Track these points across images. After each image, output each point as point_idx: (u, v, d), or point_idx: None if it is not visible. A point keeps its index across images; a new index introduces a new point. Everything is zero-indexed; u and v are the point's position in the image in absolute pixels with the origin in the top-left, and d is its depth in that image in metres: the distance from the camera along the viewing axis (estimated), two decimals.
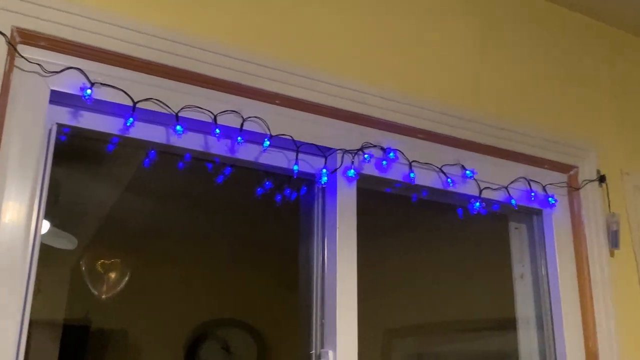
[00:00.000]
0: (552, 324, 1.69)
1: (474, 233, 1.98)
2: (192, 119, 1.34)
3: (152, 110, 1.30)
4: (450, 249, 2.26)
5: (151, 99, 1.30)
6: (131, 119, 1.29)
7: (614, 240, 1.76)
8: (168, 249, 3.02)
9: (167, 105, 1.31)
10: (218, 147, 1.40)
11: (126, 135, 1.31)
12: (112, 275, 2.94)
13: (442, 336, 2.51)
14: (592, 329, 1.67)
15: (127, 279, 2.94)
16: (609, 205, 1.80)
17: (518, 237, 1.83)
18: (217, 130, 1.35)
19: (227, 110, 1.37)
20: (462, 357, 2.38)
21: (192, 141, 1.38)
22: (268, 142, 1.40)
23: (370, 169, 1.54)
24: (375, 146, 1.54)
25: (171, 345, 3.44)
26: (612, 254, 1.77)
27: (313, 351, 1.42)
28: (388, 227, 2.27)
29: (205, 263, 3.18)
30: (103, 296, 2.87)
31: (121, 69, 1.29)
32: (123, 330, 3.30)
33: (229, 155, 1.42)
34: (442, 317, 2.43)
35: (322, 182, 1.47)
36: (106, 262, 2.97)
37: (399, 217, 2.19)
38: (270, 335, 3.59)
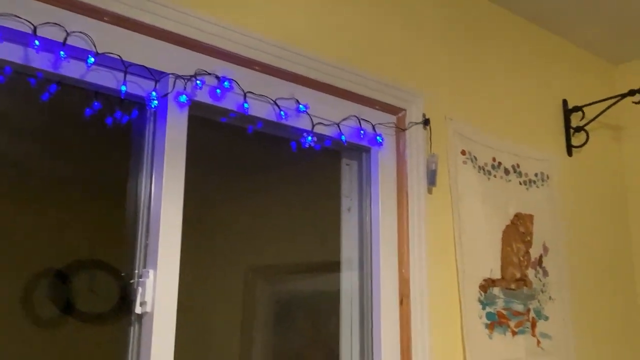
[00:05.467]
0: (371, 250, 1.83)
1: (309, 170, 2.06)
2: (9, 28, 1.28)
3: None
4: (286, 187, 2.33)
5: None
6: None
7: (431, 178, 1.92)
8: None
9: None
10: (39, 60, 1.34)
11: None
12: None
13: (283, 276, 2.60)
14: (406, 257, 1.83)
15: None
16: (431, 147, 1.96)
17: (348, 173, 1.94)
18: (37, 42, 1.29)
19: (49, 22, 1.32)
20: (301, 295, 2.48)
21: (9, 52, 1.31)
22: (93, 59, 1.37)
23: (203, 97, 1.55)
24: (209, 74, 1.55)
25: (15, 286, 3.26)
26: (430, 191, 1.93)
27: (136, 270, 1.44)
28: (224, 161, 2.29)
29: (39, 195, 3.00)
30: None
31: None
32: None
33: (51, 70, 1.37)
34: (278, 259, 2.51)
35: (152, 106, 1.47)
36: None
37: (235, 151, 2.22)
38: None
